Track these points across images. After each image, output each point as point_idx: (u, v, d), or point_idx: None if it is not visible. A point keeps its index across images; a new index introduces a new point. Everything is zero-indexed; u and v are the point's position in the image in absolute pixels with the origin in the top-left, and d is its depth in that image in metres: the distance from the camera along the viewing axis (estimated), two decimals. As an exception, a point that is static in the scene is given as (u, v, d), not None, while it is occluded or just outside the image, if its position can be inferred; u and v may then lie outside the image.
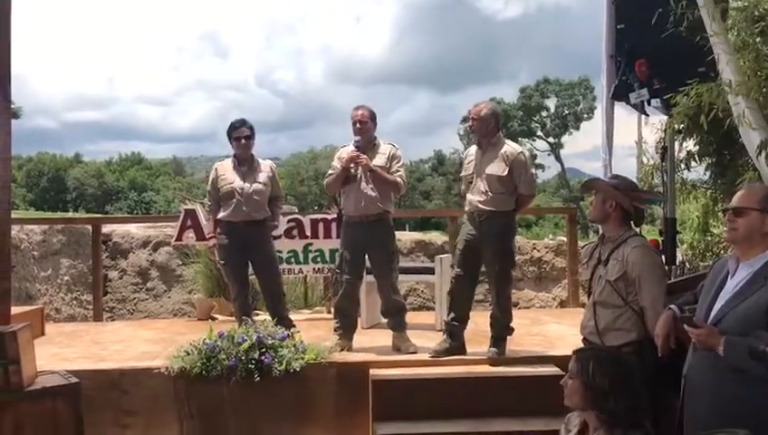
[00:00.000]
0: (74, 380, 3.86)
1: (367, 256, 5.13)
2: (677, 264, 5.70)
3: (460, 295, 4.92)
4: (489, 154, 4.79)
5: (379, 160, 5.01)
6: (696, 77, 4.27)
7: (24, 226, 8.43)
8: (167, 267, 9.02)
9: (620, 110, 5.79)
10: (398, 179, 5.04)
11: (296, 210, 8.04)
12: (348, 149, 5.05)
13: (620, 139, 6.06)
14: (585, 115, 46.83)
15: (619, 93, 5.45)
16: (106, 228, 8.83)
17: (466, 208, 4.90)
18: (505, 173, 4.71)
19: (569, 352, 2.88)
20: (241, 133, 5.38)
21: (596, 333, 3.46)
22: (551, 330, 5.97)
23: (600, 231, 3.66)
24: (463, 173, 5.01)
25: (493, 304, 4.93)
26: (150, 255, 9.08)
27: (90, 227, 7.83)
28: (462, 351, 4.91)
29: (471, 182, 4.86)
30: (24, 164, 62.07)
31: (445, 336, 4.97)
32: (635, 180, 4.51)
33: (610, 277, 3.40)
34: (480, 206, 4.75)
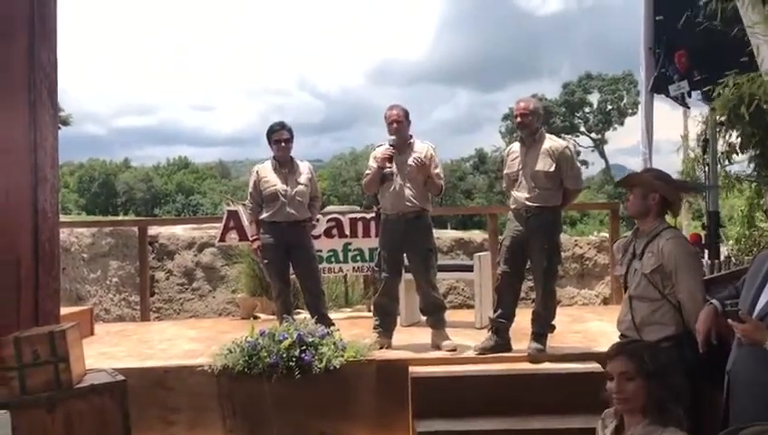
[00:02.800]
0: (121, 377, 3.95)
1: (405, 254, 5.15)
2: (722, 259, 5.57)
3: (507, 293, 4.88)
4: (533, 150, 4.74)
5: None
6: (737, 68, 4.18)
7: (74, 229, 8.66)
8: (211, 268, 9.18)
9: (664, 104, 5.67)
10: (439, 182, 5.04)
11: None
12: (382, 149, 5.08)
13: (664, 134, 5.96)
14: (629, 110, 45.81)
15: (659, 86, 5.38)
16: (152, 230, 9.01)
17: (512, 205, 4.85)
18: (552, 169, 4.67)
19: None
20: (280, 136, 5.45)
21: (633, 327, 3.43)
22: (592, 327, 5.90)
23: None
24: (506, 171, 4.93)
25: (537, 300, 4.89)
26: (195, 256, 9.26)
27: (136, 230, 7.98)
28: (507, 348, 4.89)
29: (516, 180, 4.82)
30: (75, 170, 63.61)
31: (490, 333, 4.94)
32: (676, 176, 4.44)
33: (646, 270, 3.37)
34: (527, 202, 4.71)
